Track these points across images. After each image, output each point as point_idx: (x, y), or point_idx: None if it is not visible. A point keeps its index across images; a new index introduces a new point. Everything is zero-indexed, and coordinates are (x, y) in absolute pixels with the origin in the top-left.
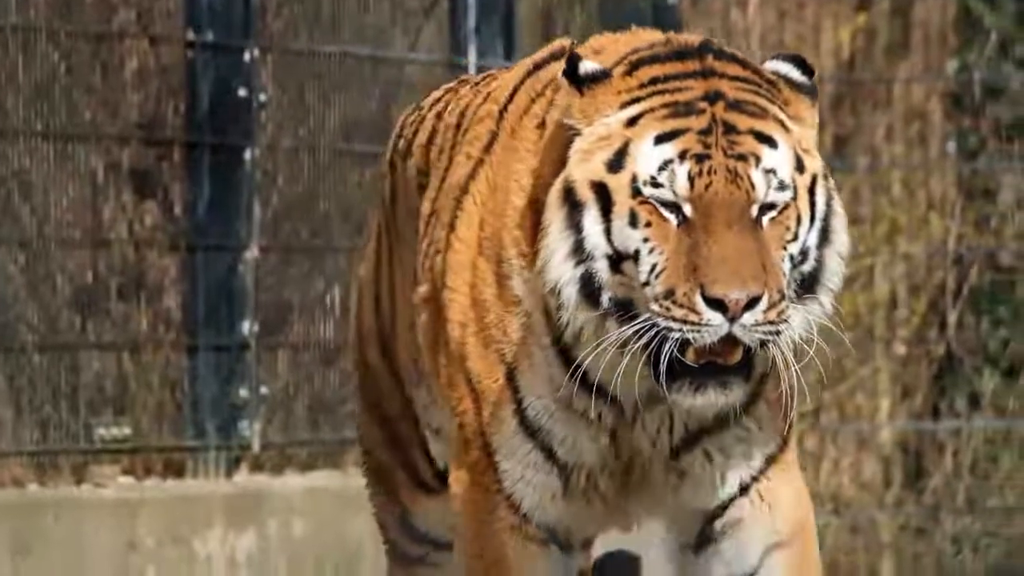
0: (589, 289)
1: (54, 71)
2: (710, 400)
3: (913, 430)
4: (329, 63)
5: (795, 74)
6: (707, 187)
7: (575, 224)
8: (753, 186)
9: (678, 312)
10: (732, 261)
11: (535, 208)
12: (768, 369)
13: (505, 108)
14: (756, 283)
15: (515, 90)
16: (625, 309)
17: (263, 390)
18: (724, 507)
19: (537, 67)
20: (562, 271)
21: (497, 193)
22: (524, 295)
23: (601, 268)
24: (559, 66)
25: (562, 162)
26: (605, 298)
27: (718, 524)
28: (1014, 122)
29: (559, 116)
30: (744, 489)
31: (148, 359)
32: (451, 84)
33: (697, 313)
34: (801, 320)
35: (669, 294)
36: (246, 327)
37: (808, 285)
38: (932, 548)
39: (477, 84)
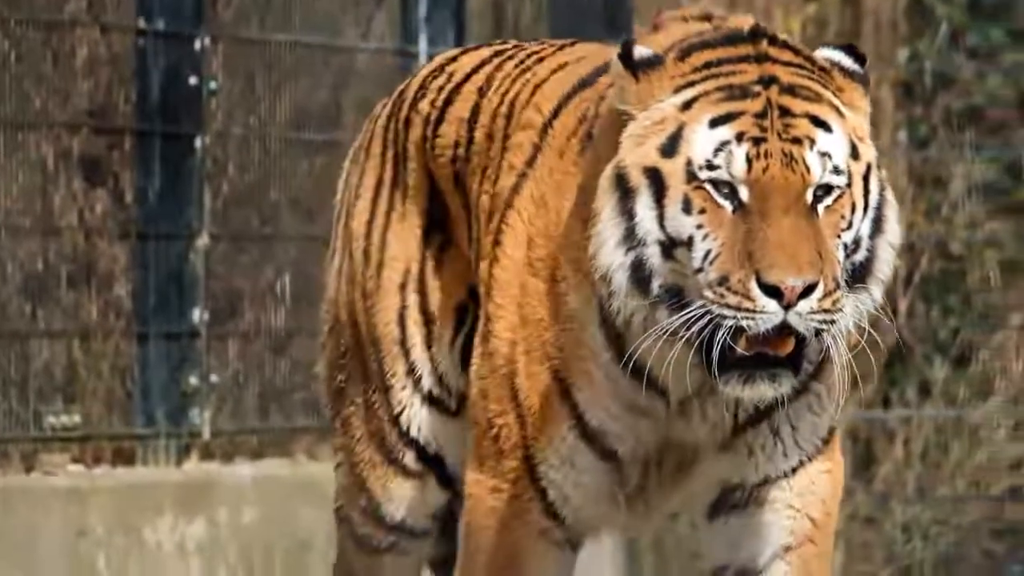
0: (640, 276)
1: (4, 59)
2: (759, 392)
3: (863, 419)
4: (280, 51)
5: (847, 62)
6: (764, 170)
7: (627, 210)
8: (808, 169)
9: (732, 299)
10: (788, 247)
11: (587, 219)
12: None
13: (550, 123)
14: (812, 270)
15: (560, 105)
16: (676, 297)
17: (213, 378)
18: (761, 484)
19: (584, 84)
20: (613, 257)
21: (547, 212)
22: (581, 309)
23: (653, 255)
24: (606, 82)
25: (615, 149)
26: (655, 285)
27: (739, 495)
28: (965, 111)
29: (613, 103)
30: (797, 466)
31: (98, 347)
32: (485, 54)
33: (752, 300)
34: (852, 310)
35: (723, 280)
36: (196, 315)
37: (860, 275)
38: (882, 537)
39: (522, 63)
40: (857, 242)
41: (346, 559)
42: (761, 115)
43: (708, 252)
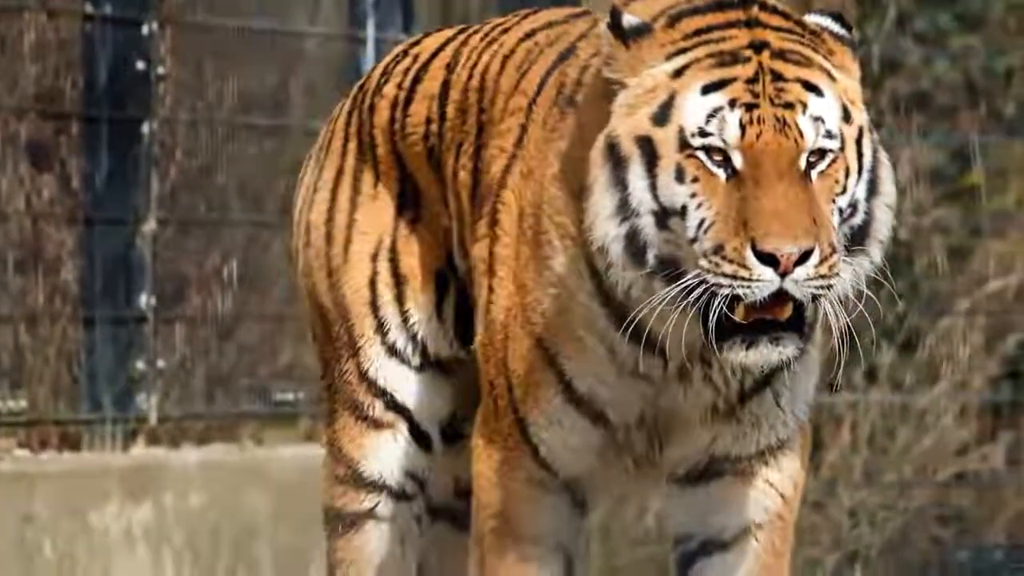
0: (635, 246)
1: None
2: (762, 356)
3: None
4: (228, 37)
5: (836, 27)
6: (758, 136)
7: (620, 180)
8: (802, 134)
9: (728, 268)
10: (783, 214)
11: (571, 184)
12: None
13: (534, 101)
14: (808, 237)
15: (543, 82)
16: (672, 267)
17: (160, 363)
18: (750, 456)
19: (563, 57)
20: (607, 228)
21: (531, 180)
22: (567, 275)
23: (647, 225)
24: (589, 51)
25: (605, 118)
26: (651, 256)
27: (722, 464)
28: (912, 96)
29: (600, 71)
30: (784, 440)
31: (45, 332)
32: (448, 33)
33: (748, 268)
34: (850, 273)
35: (718, 249)
36: (143, 300)
37: (858, 238)
38: (829, 522)
39: (488, 35)
40: (854, 205)
41: (331, 559)
42: (753, 80)
43: (702, 221)
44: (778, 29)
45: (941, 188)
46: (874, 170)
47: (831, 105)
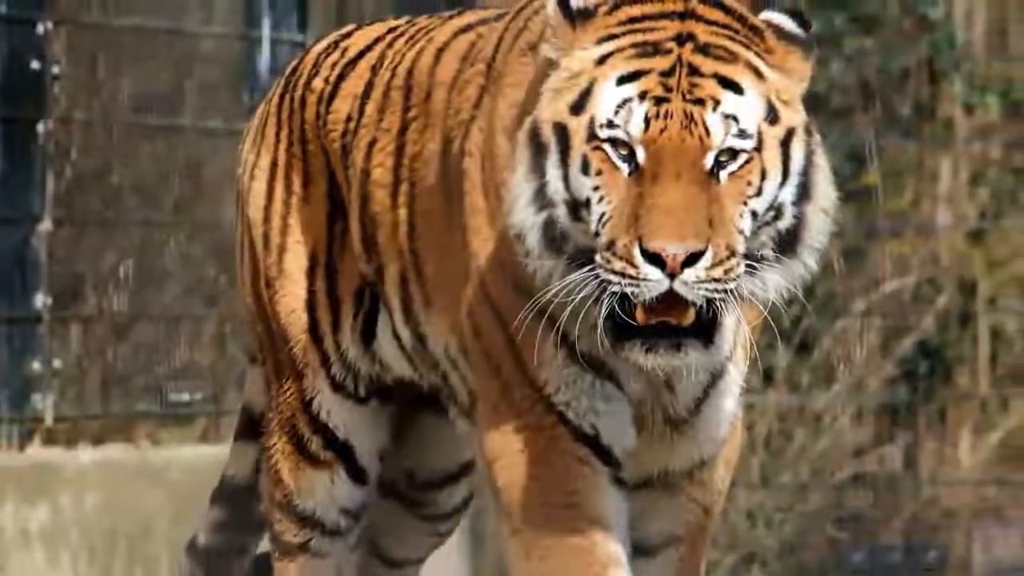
0: (551, 236)
1: None
2: (664, 361)
3: None
4: (123, 36)
5: (789, 25)
6: (661, 131)
7: (539, 168)
8: (708, 132)
9: (617, 264)
10: (675, 214)
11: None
12: (741, 315)
13: (493, 59)
14: (697, 238)
15: (499, 43)
16: (588, 258)
17: (56, 363)
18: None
19: (520, 11)
20: (525, 216)
21: (487, 136)
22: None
23: (562, 215)
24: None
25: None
26: (569, 246)
27: (657, 475)
28: (807, 98)
29: (546, 51)
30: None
31: None
32: (377, 32)
33: (635, 267)
34: (781, 280)
35: (611, 245)
36: (39, 300)
37: (789, 243)
38: (726, 523)
39: (413, 37)
40: (779, 209)
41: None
42: (668, 73)
43: (602, 215)
44: (712, 23)
45: (837, 189)
46: (806, 174)
47: (750, 104)
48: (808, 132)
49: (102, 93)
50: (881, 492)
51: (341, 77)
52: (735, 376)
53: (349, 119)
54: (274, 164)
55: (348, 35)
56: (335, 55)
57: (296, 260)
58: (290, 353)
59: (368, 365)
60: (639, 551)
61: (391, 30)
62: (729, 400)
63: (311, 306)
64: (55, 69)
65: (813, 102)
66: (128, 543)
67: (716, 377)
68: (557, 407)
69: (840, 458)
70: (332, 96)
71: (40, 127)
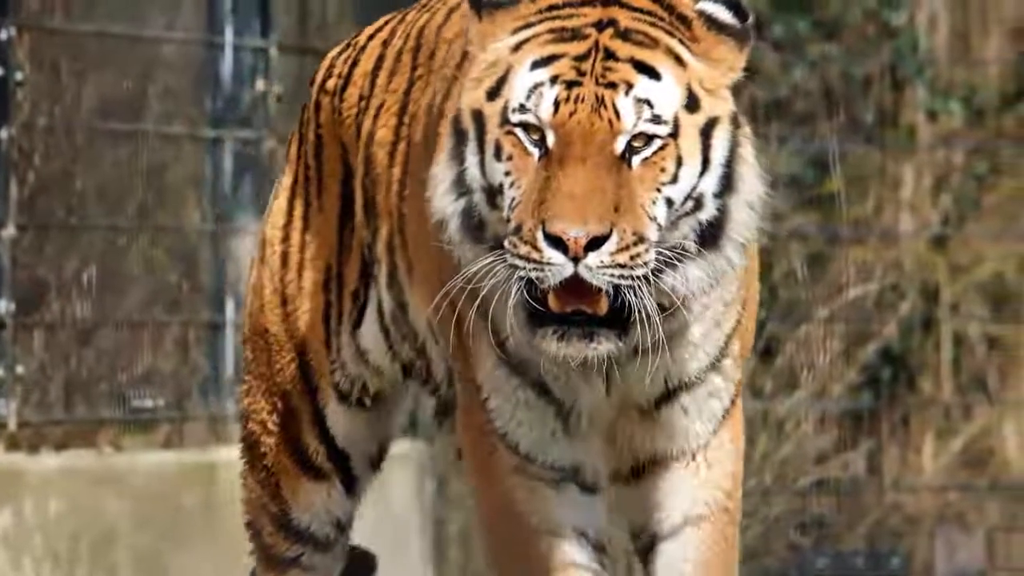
0: (471, 223)
1: None
2: (575, 350)
3: None
4: (85, 42)
5: (723, 14)
6: (571, 114)
7: (459, 155)
8: (619, 116)
9: (523, 249)
10: (576, 197)
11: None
12: (734, 327)
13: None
14: (600, 222)
15: None
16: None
17: (19, 369)
18: (670, 466)
19: None
20: (445, 204)
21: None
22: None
23: (480, 202)
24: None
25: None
26: (488, 234)
27: (651, 467)
28: (770, 103)
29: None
30: (700, 445)
31: None
32: (389, 16)
33: (539, 251)
34: (702, 274)
35: (518, 230)
36: (2, 306)
37: (712, 235)
38: None
39: (427, 4)
40: (699, 199)
41: None
42: (582, 58)
43: (512, 200)
44: (635, 10)
45: (799, 195)
46: (730, 165)
47: (667, 90)
48: (734, 123)
49: (65, 99)
50: (844, 498)
51: (353, 64)
52: (722, 390)
53: (361, 98)
54: (294, 182)
55: (360, 32)
56: (347, 51)
57: (313, 276)
58: (305, 367)
59: (355, 364)
60: (661, 537)
61: (401, 12)
62: (707, 402)
63: (327, 319)
64: (18, 75)
65: (776, 108)
66: (91, 548)
67: (687, 384)
68: (490, 413)
69: (803, 464)
70: (344, 87)
71: (3, 133)
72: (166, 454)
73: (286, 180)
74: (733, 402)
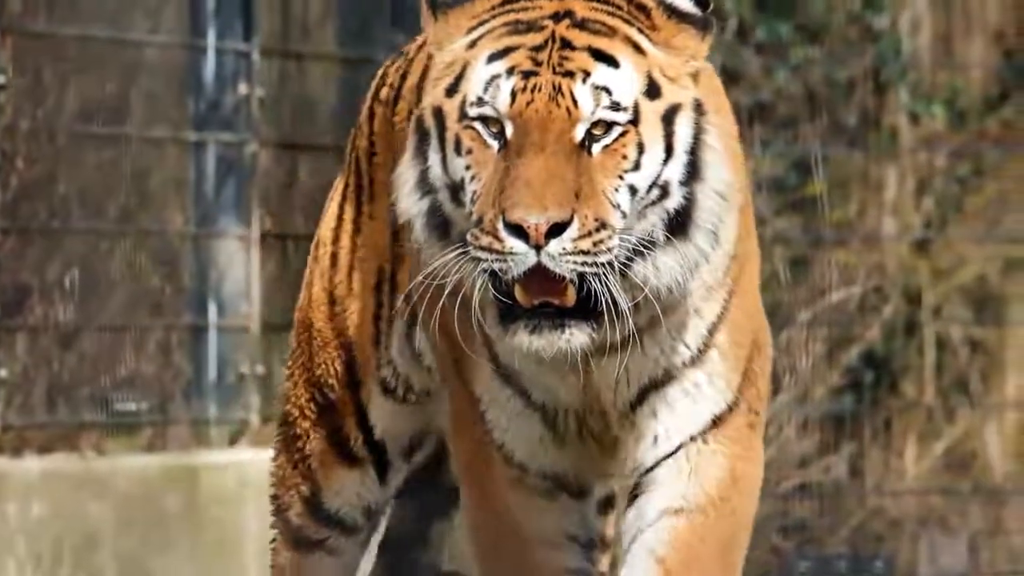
0: (436, 221)
1: None
2: (547, 343)
3: None
4: (68, 45)
5: (682, 3)
6: (528, 104)
7: (422, 154)
8: (576, 103)
9: (484, 240)
10: (535, 185)
11: None
12: (719, 316)
13: None
14: (560, 208)
15: None
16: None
17: (2, 372)
18: (655, 466)
19: None
20: (410, 202)
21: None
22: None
23: (444, 200)
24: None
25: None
26: (454, 232)
27: (641, 480)
28: (753, 107)
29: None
30: (678, 448)
31: None
32: None
33: (500, 240)
34: (674, 264)
35: (479, 222)
36: None
37: (679, 224)
38: None
39: None
40: (664, 187)
41: (278, 558)
42: (539, 48)
43: (474, 194)
44: (592, 0)
45: (782, 198)
46: (695, 153)
47: (626, 77)
48: (698, 110)
49: (48, 102)
50: (827, 501)
51: (404, 76)
52: (702, 384)
53: (410, 112)
54: (346, 186)
55: (413, 40)
56: (399, 61)
57: (362, 277)
58: (351, 363)
59: (406, 362)
60: (641, 530)
61: None
62: (684, 407)
63: (376, 318)
64: (1, 79)
65: (759, 111)
66: (74, 551)
67: (662, 380)
68: (488, 424)
69: (786, 467)
70: (396, 98)
71: None
72: (149, 457)
73: (339, 184)
74: (732, 408)
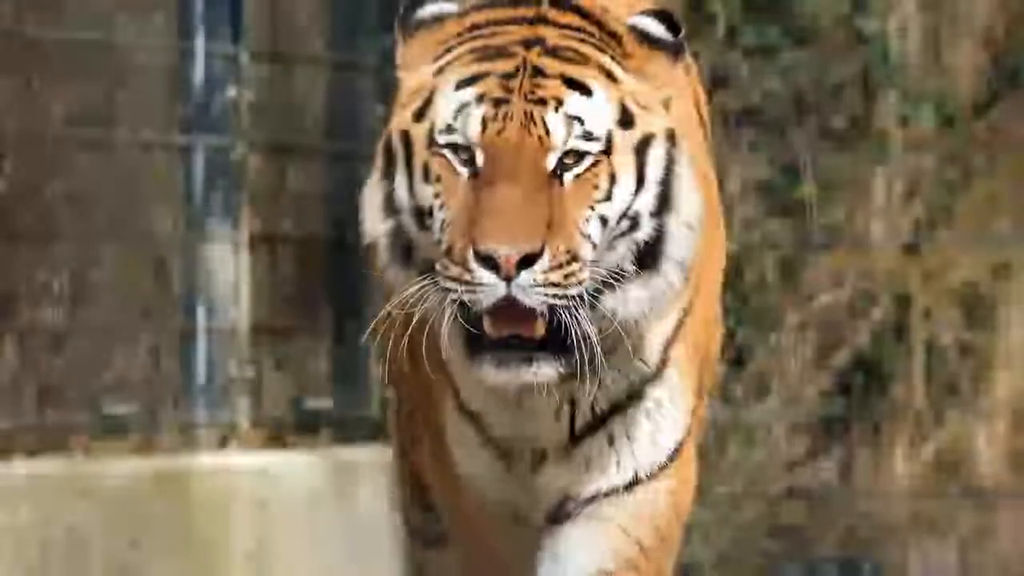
0: (400, 245)
1: None
2: (516, 377)
3: None
4: (55, 48)
5: (655, 28)
6: (499, 132)
7: (389, 175)
8: (548, 132)
9: (454, 270)
10: (505, 215)
11: None
12: (673, 331)
13: None
14: (530, 239)
15: None
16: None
17: None
18: (592, 498)
19: None
20: (374, 224)
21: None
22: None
23: (409, 224)
24: None
25: None
26: (418, 258)
27: (571, 506)
28: (742, 110)
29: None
30: (633, 482)
31: None
32: None
33: (470, 271)
34: (643, 295)
35: (449, 251)
36: None
37: (649, 255)
38: None
39: None
40: (634, 218)
41: (413, 558)
42: (510, 76)
43: (443, 222)
44: (564, 27)
45: (771, 202)
46: (666, 183)
47: (599, 106)
48: (671, 140)
49: (35, 106)
50: (816, 505)
51: None
52: (660, 415)
53: None
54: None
55: None
56: None
57: None
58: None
59: None
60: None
61: None
62: (646, 434)
63: None
64: None
65: (747, 115)
66: (62, 556)
67: (623, 404)
68: (454, 457)
69: (775, 471)
70: None
71: None
72: (138, 461)
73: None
74: (680, 444)
